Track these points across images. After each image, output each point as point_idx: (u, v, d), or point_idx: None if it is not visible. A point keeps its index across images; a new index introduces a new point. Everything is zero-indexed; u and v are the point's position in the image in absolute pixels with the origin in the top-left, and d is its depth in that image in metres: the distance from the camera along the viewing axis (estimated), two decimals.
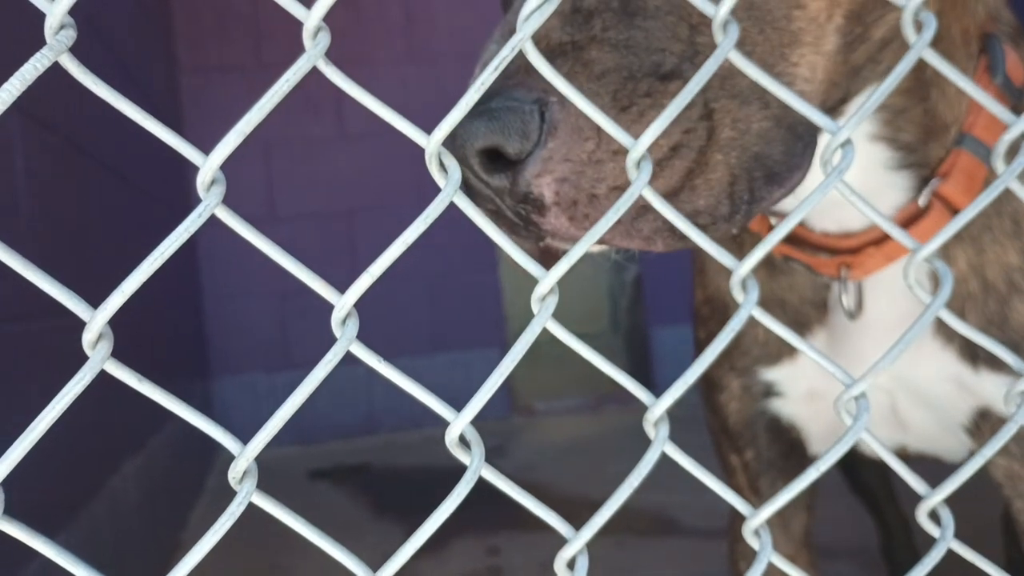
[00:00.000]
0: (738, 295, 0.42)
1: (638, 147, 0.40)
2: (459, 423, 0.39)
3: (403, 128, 0.38)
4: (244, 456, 0.36)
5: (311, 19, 0.36)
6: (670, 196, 0.50)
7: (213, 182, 0.36)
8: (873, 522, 1.83)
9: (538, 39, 0.49)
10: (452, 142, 0.48)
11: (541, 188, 0.49)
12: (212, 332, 3.59)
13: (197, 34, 3.56)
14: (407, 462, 3.24)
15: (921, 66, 0.70)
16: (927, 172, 0.75)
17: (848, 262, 0.79)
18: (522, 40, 0.37)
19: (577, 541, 0.40)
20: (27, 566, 1.27)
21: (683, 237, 0.50)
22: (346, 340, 0.37)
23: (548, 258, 0.57)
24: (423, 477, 2.99)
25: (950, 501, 0.47)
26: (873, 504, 1.81)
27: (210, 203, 0.35)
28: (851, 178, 0.72)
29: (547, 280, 0.39)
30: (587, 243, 0.40)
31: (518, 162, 0.48)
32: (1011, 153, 0.67)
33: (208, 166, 0.35)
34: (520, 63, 0.48)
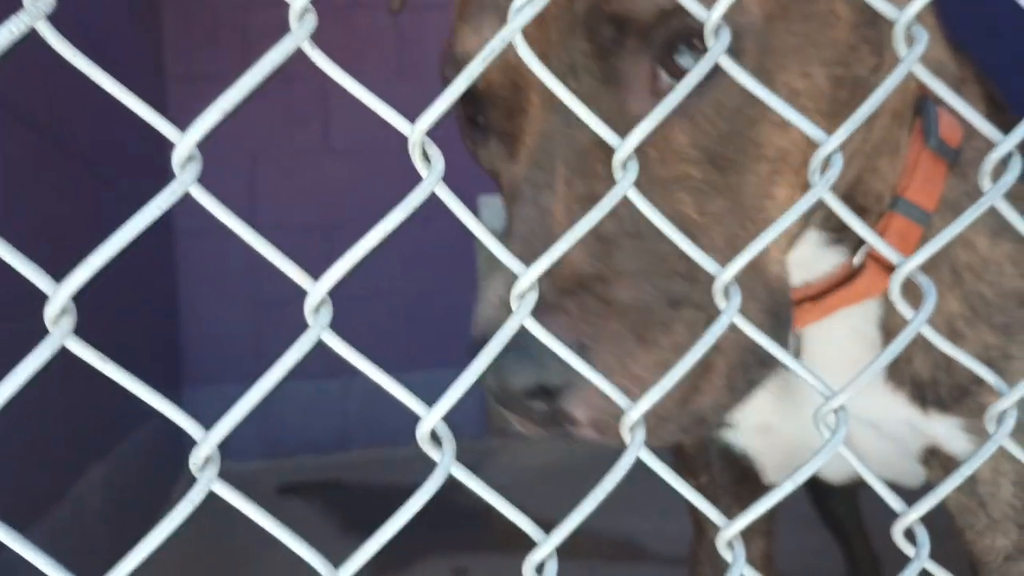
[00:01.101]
0: (720, 302, 0.42)
1: (625, 147, 0.39)
2: (431, 418, 0.38)
3: (387, 116, 0.38)
4: (207, 443, 0.35)
5: (297, 0, 0.35)
6: (679, 407, 0.55)
7: (189, 159, 0.35)
8: (841, 554, 1.83)
9: (569, 275, 0.53)
10: (501, 390, 0.52)
11: (576, 413, 0.53)
12: (186, 342, 3.55)
13: (186, 43, 3.55)
14: (380, 480, 3.20)
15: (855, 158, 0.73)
16: (860, 240, 0.77)
17: None
18: (513, 31, 0.37)
19: (547, 545, 0.39)
20: None
21: (692, 430, 0.56)
22: (319, 327, 0.36)
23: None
24: (396, 495, 2.95)
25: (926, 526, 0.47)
26: (842, 535, 1.81)
27: (185, 180, 0.34)
28: (793, 251, 0.76)
29: (527, 276, 0.38)
30: (568, 243, 0.39)
31: (556, 391, 0.53)
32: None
33: (185, 142, 0.34)
34: (555, 300, 0.52)
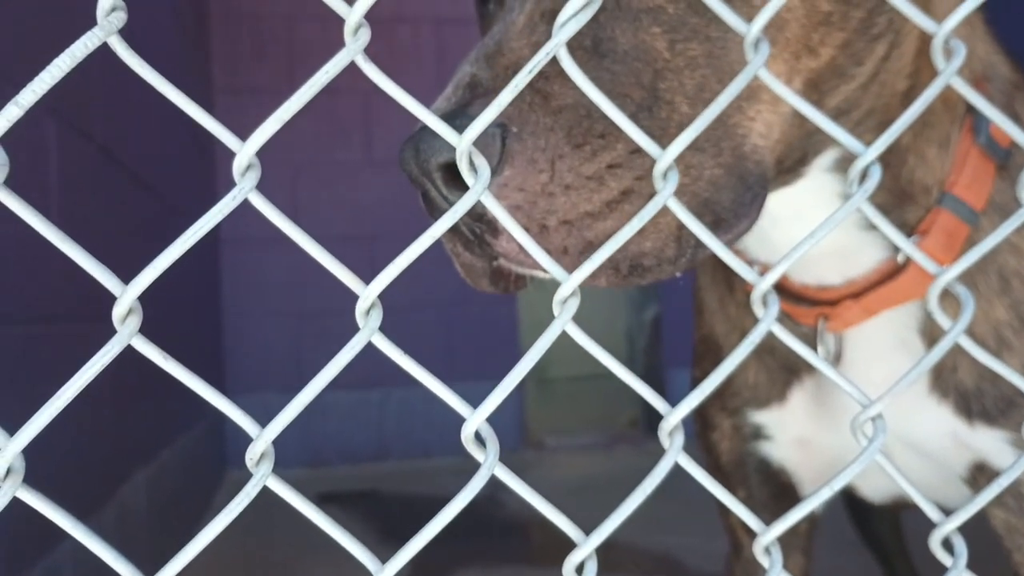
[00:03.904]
0: (759, 310, 0.43)
1: (666, 157, 0.40)
2: (475, 420, 0.39)
3: (435, 125, 0.39)
4: (263, 438, 0.37)
5: (353, 15, 0.37)
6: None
7: (249, 167, 0.36)
8: (882, 574, 1.81)
9: (508, 64, 0.51)
10: (415, 154, 0.50)
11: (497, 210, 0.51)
12: (229, 350, 3.61)
13: (233, 57, 3.62)
14: (415, 490, 3.22)
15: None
16: (906, 231, 0.76)
17: (826, 313, 0.80)
18: (558, 45, 0.38)
19: (587, 546, 0.40)
20: (34, 565, 1.28)
21: (626, 276, 0.52)
22: (369, 330, 0.38)
23: (498, 278, 0.58)
24: (431, 506, 2.97)
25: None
26: (883, 556, 1.79)
27: (245, 187, 0.36)
28: (826, 237, 0.73)
29: (570, 282, 0.39)
30: (609, 250, 0.40)
31: None
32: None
33: (245, 151, 0.36)
34: (490, 85, 0.51)
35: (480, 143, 0.47)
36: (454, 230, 0.54)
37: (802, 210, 0.73)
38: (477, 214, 0.51)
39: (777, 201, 0.71)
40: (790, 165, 0.66)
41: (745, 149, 0.57)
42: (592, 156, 0.51)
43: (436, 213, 0.53)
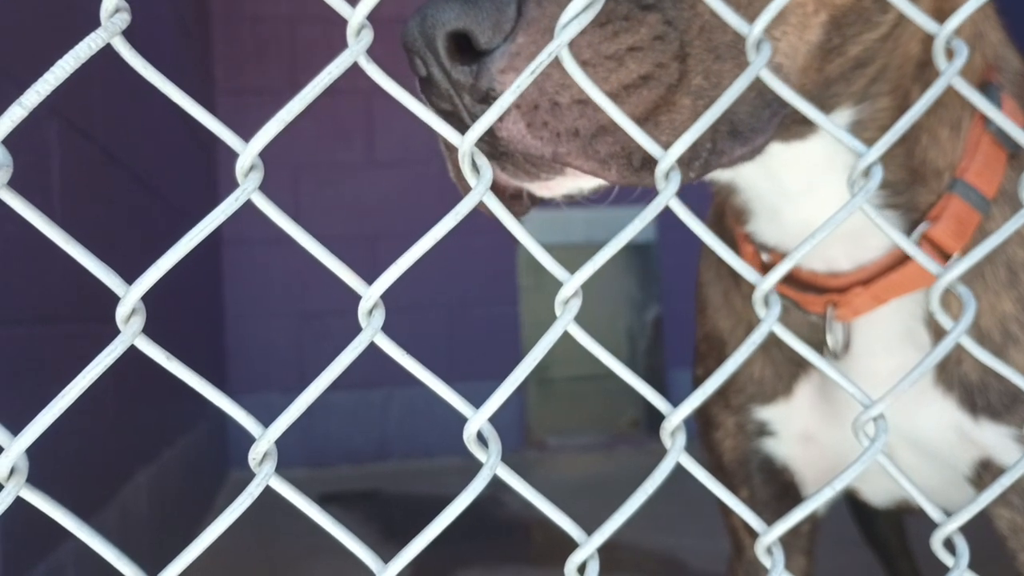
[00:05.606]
0: (760, 311, 0.43)
1: (668, 157, 0.40)
2: (477, 420, 0.39)
3: (437, 126, 0.39)
4: (265, 438, 0.37)
5: (356, 16, 0.37)
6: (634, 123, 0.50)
7: (252, 168, 0.36)
8: (885, 575, 1.80)
9: None
10: (421, 22, 0.47)
11: (505, 85, 0.47)
12: (231, 351, 3.61)
13: (235, 58, 3.63)
14: (417, 490, 3.22)
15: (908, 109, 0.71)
16: (916, 216, 0.76)
17: (835, 301, 0.80)
18: (560, 46, 0.38)
19: (588, 545, 0.40)
20: (37, 564, 1.28)
21: (637, 170, 0.50)
22: (371, 330, 0.38)
23: (498, 192, 0.54)
24: (433, 506, 2.97)
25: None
26: (886, 557, 1.78)
27: (248, 188, 0.36)
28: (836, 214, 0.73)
29: (572, 283, 0.40)
30: (611, 251, 0.40)
31: (484, 55, 0.47)
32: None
33: (248, 152, 0.36)
34: None
35: (492, 9, 0.45)
36: (450, 116, 0.50)
37: (814, 183, 0.73)
38: (481, 94, 0.48)
39: (789, 171, 0.71)
40: (801, 117, 0.66)
41: (768, 65, 0.57)
42: (614, 36, 0.49)
43: (433, 96, 0.50)
